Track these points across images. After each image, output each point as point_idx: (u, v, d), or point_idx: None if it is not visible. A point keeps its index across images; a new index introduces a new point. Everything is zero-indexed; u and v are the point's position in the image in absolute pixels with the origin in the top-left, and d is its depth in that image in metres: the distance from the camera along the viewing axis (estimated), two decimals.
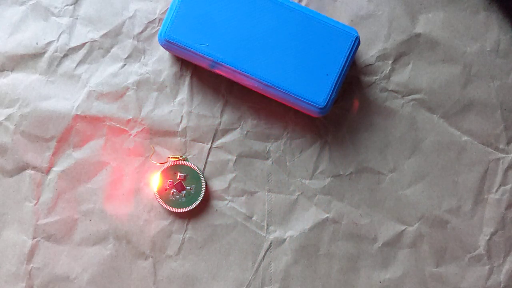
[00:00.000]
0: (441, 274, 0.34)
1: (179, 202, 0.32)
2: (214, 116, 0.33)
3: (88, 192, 0.33)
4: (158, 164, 0.33)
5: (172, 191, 0.32)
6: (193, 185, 0.32)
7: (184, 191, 0.32)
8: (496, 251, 0.34)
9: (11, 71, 0.32)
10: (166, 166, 0.32)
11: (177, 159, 0.32)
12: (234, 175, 0.33)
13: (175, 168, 0.32)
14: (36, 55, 0.32)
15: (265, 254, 0.34)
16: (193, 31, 0.30)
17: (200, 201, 0.33)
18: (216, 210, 0.33)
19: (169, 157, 0.32)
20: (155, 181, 0.32)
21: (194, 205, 0.32)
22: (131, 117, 0.33)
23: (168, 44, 0.30)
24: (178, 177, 0.32)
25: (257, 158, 0.33)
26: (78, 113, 0.32)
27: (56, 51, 0.32)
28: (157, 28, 0.33)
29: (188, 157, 0.33)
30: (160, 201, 0.32)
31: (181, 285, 0.33)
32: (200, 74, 0.33)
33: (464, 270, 0.34)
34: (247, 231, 0.33)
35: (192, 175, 0.32)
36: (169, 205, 0.32)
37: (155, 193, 0.32)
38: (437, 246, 0.34)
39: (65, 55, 0.32)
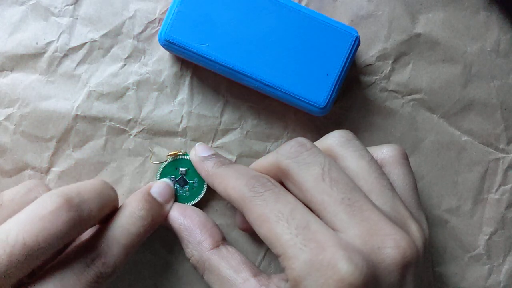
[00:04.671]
0: (441, 273, 0.34)
1: (184, 197, 0.32)
2: (214, 116, 0.33)
3: None
4: (158, 163, 0.33)
5: (175, 187, 0.32)
6: (195, 179, 0.32)
7: (188, 185, 0.32)
8: (496, 250, 0.35)
9: (11, 71, 0.32)
10: (166, 163, 0.32)
11: (175, 154, 0.32)
12: None
13: (175, 163, 0.32)
14: (36, 55, 0.32)
15: (265, 254, 0.34)
16: (193, 31, 0.30)
17: (203, 195, 0.33)
18: (217, 210, 0.33)
19: (168, 155, 0.32)
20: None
21: (199, 198, 0.32)
22: (131, 117, 0.33)
23: (168, 44, 0.30)
24: (179, 172, 0.32)
25: (257, 158, 0.33)
26: (78, 113, 0.32)
27: (56, 51, 0.32)
28: (157, 28, 0.33)
29: (187, 152, 0.33)
30: None
31: (182, 286, 0.33)
32: (200, 74, 0.33)
33: (463, 269, 0.34)
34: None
35: (192, 169, 0.32)
36: (174, 201, 0.32)
37: None
38: (436, 245, 0.34)
39: (65, 55, 0.32)
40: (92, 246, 0.26)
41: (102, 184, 0.28)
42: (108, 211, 0.28)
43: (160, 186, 0.31)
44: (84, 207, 0.25)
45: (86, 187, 0.26)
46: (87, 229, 0.27)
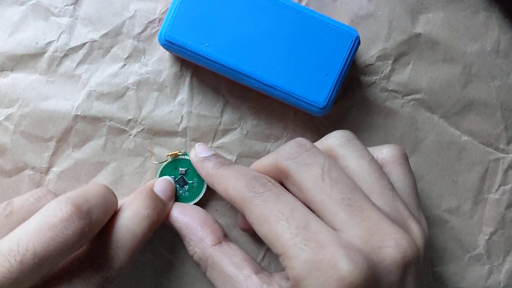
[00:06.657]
0: (441, 273, 0.34)
1: (183, 197, 0.32)
2: (214, 116, 0.33)
3: None
4: (158, 163, 0.33)
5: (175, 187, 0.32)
6: (195, 179, 0.32)
7: (187, 185, 0.32)
8: (496, 250, 0.35)
9: (11, 71, 0.32)
10: (166, 163, 0.32)
11: (175, 154, 0.32)
12: None
13: (175, 163, 0.32)
14: (36, 55, 0.32)
15: (265, 254, 0.34)
16: (193, 31, 0.30)
17: (203, 195, 0.33)
18: (217, 210, 0.33)
19: (168, 155, 0.32)
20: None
21: (198, 199, 0.32)
22: (131, 117, 0.33)
23: (168, 44, 0.30)
24: (179, 172, 0.32)
25: (257, 158, 0.33)
26: (78, 113, 0.32)
27: (56, 51, 0.32)
28: (157, 28, 0.33)
29: (187, 152, 0.33)
30: None
31: (182, 286, 0.33)
32: (200, 74, 0.33)
33: (463, 269, 0.35)
34: None
35: (192, 169, 0.32)
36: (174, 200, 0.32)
37: None
38: (436, 245, 0.34)
39: (65, 55, 0.32)
40: (98, 250, 0.26)
41: (105, 188, 0.27)
42: (110, 216, 0.28)
43: (162, 184, 0.31)
44: (93, 213, 0.25)
45: (91, 193, 0.26)
46: (94, 236, 0.26)
